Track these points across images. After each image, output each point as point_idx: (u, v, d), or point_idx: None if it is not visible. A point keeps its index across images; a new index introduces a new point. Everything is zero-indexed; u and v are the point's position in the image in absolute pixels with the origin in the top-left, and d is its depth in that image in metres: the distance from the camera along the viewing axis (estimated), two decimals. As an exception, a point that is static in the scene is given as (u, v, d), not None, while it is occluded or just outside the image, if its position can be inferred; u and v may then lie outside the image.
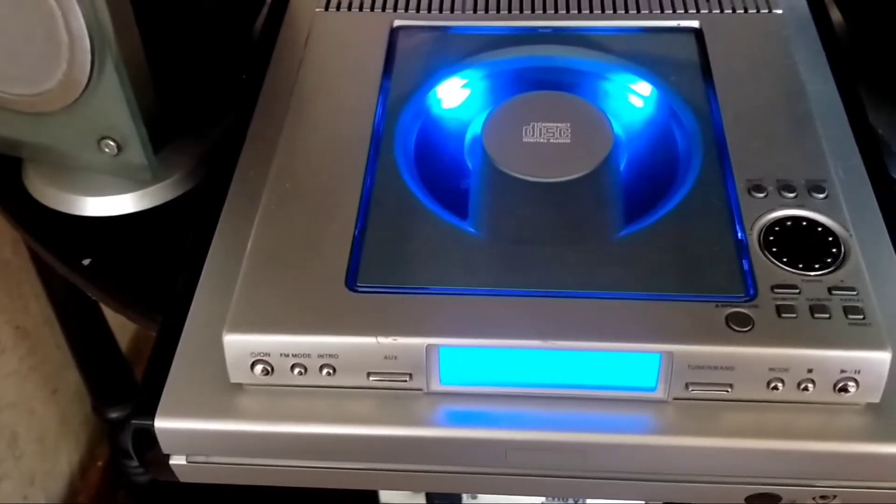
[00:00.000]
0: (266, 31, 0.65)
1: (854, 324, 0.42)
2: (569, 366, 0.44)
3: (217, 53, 0.64)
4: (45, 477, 0.95)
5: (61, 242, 0.59)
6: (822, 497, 0.45)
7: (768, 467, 0.44)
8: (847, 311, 0.43)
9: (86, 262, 0.58)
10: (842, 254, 0.45)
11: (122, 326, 0.94)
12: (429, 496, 0.83)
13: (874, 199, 0.52)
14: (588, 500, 0.81)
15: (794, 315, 0.43)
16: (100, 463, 1.02)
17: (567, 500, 0.81)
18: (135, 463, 0.90)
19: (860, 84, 0.61)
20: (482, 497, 0.82)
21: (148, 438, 0.45)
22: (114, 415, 0.93)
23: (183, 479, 0.48)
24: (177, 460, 0.46)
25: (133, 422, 0.45)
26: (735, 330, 0.42)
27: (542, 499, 0.82)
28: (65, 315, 0.87)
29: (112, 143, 0.56)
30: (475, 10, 0.62)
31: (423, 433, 0.44)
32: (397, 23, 0.61)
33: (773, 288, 0.44)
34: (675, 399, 0.44)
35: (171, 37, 0.58)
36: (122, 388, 0.93)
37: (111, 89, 0.53)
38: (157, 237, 0.58)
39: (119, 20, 0.51)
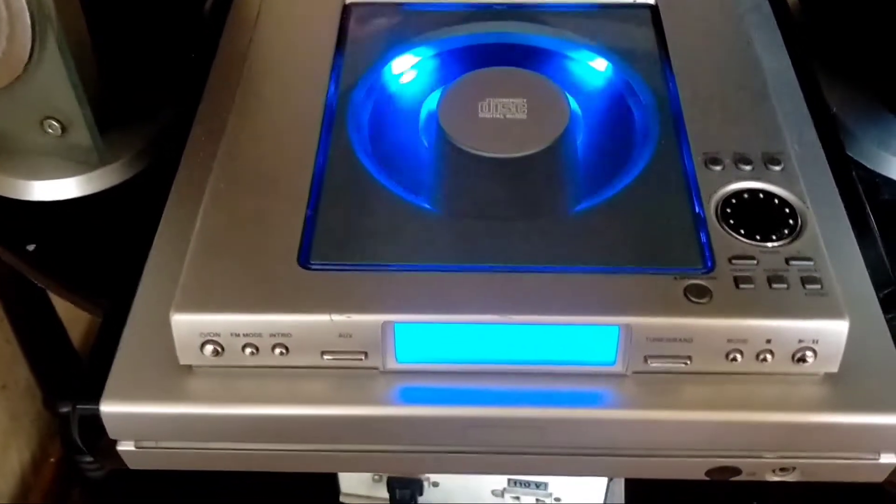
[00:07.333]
0: (216, 10, 0.63)
1: (811, 294, 0.42)
2: (527, 341, 0.43)
3: (166, 32, 0.63)
4: (-5, 475, 0.92)
5: (4, 228, 0.58)
6: (782, 469, 0.45)
7: (728, 439, 0.44)
8: (804, 281, 0.43)
9: (30, 247, 0.56)
10: (798, 225, 0.45)
11: (74, 320, 0.92)
12: (390, 484, 0.82)
13: (829, 172, 0.52)
14: (550, 485, 0.81)
15: (751, 286, 0.43)
16: (52, 459, 0.99)
17: (528, 483, 0.81)
18: (88, 458, 0.88)
19: (815, 62, 0.61)
20: (444, 483, 0.82)
21: (94, 424, 0.44)
22: (66, 409, 0.91)
23: (132, 465, 0.46)
24: (125, 446, 0.45)
25: (78, 406, 0.43)
26: (693, 301, 0.42)
27: (504, 483, 0.81)
28: (12, 308, 0.85)
29: (56, 123, 0.55)
30: (429, -13, 0.61)
31: (379, 412, 0.43)
32: (349, -1, 0.60)
33: (730, 259, 0.44)
34: (635, 373, 0.43)
35: (117, 14, 0.57)
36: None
37: (53, 67, 0.52)
38: (105, 222, 0.57)
39: (61, -5, 0.50)
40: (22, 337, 0.89)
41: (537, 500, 0.81)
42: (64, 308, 0.85)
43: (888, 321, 0.45)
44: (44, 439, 1.00)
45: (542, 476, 0.76)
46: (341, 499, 0.86)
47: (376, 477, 0.82)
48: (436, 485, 0.82)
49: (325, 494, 0.85)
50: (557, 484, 0.80)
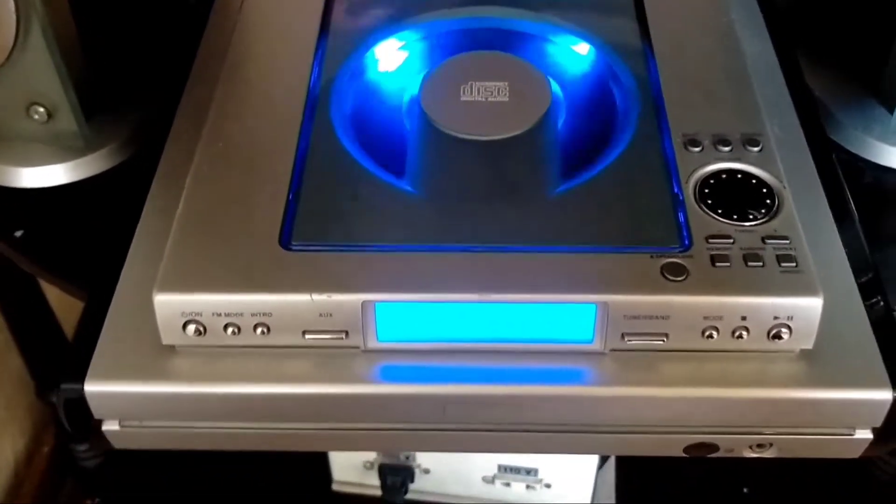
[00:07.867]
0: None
1: (786, 271, 0.43)
2: (506, 319, 0.43)
3: (152, 18, 0.63)
4: (-12, 465, 0.92)
5: (-8, 214, 0.58)
6: (759, 445, 0.46)
7: (705, 416, 0.44)
8: (780, 258, 0.43)
9: (18, 233, 0.57)
10: (776, 205, 0.46)
11: (68, 310, 0.92)
12: (381, 471, 0.83)
13: (808, 153, 0.52)
14: (540, 470, 0.81)
15: (727, 264, 0.43)
16: (46, 449, 1.00)
17: (518, 469, 0.81)
18: (82, 447, 0.89)
19: (797, 46, 0.61)
20: (435, 470, 0.82)
21: (79, 404, 0.44)
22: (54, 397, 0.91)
23: (117, 445, 0.47)
24: (109, 426, 0.46)
25: (62, 386, 0.44)
26: (670, 279, 0.42)
27: (495, 470, 0.81)
28: (3, 296, 0.85)
29: (41, 109, 0.55)
30: (413, -29, 0.61)
31: (360, 391, 0.44)
32: (334, -16, 0.60)
33: (707, 238, 0.44)
34: (612, 350, 0.44)
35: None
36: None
37: (38, 53, 0.52)
38: (92, 208, 0.57)
39: (45, -20, 0.50)
40: (13, 326, 0.89)
41: (528, 485, 0.82)
42: (59, 298, 0.85)
43: (866, 306, 0.45)
44: (37, 429, 1.00)
45: (522, 454, 0.77)
46: (333, 486, 0.86)
47: (368, 464, 0.83)
48: (427, 471, 0.83)
49: (318, 481, 0.86)
50: (547, 469, 0.80)
